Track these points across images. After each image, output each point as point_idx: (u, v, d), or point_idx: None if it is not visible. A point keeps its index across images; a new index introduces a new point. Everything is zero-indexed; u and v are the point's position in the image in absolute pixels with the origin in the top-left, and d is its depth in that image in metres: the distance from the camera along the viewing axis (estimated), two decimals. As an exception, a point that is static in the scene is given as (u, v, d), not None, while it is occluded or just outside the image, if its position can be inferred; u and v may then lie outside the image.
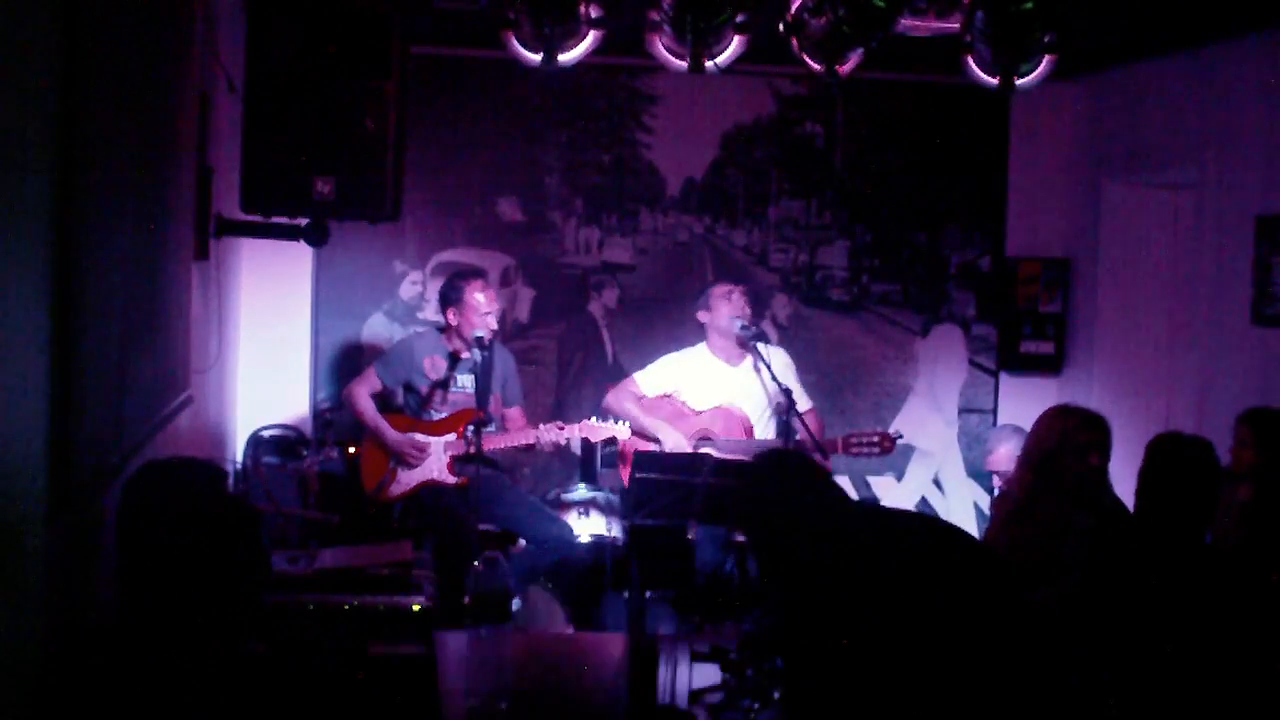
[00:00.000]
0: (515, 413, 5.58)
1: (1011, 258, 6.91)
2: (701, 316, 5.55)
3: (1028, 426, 5.92)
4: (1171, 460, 3.54)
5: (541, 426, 5.35)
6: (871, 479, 6.85)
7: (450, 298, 5.39)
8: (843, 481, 6.87)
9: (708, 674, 3.76)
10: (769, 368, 5.35)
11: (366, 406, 5.44)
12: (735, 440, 5.37)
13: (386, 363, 5.51)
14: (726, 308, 5.44)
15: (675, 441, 5.37)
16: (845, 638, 2.71)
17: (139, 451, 3.33)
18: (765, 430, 5.58)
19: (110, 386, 2.98)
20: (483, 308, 5.29)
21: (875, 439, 5.35)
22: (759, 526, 2.94)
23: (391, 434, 5.37)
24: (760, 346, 5.44)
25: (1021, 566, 3.95)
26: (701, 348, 5.59)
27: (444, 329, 5.46)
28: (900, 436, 5.47)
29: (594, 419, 5.38)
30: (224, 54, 4.86)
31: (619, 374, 6.40)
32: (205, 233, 4.69)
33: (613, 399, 5.57)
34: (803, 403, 5.32)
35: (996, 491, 5.97)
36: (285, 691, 2.44)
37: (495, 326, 5.27)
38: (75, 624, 2.65)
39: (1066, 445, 4.06)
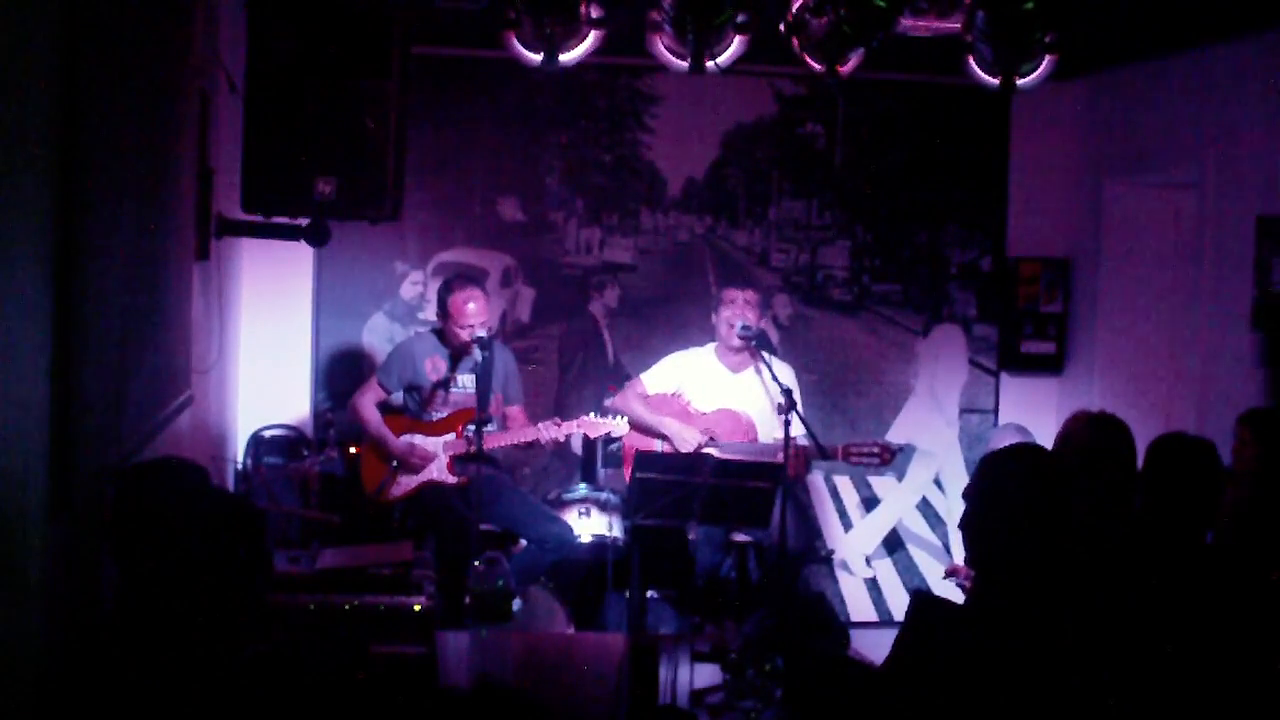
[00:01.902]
0: (516, 411, 5.58)
1: (1012, 257, 6.91)
2: (714, 319, 5.54)
3: (1029, 426, 5.96)
4: (1174, 461, 3.53)
5: (540, 425, 5.37)
6: (872, 479, 6.85)
7: (439, 301, 5.39)
8: (843, 481, 6.89)
9: (708, 674, 3.77)
10: (769, 367, 5.34)
11: (372, 417, 5.43)
12: (738, 443, 5.36)
13: (388, 369, 5.51)
14: (726, 312, 5.41)
15: (682, 436, 5.35)
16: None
17: (140, 452, 3.33)
18: (768, 437, 5.57)
19: (110, 387, 2.98)
20: (466, 319, 5.25)
21: (875, 450, 5.31)
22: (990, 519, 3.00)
23: (395, 443, 5.36)
24: (765, 356, 5.42)
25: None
26: (710, 349, 5.58)
27: (439, 329, 5.46)
28: (900, 449, 5.45)
29: (593, 414, 5.38)
30: (224, 54, 4.86)
31: (620, 374, 6.40)
32: (206, 233, 4.69)
33: (620, 399, 5.56)
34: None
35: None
36: (285, 691, 2.44)
37: (481, 334, 5.22)
38: (75, 623, 2.65)
39: (1098, 454, 4.03)
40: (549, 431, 5.32)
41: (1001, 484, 2.99)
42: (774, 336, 6.64)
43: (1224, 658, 2.92)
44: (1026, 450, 3.17)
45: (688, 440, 5.34)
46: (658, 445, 5.41)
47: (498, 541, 5.43)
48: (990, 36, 4.57)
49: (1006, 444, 5.70)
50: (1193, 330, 6.02)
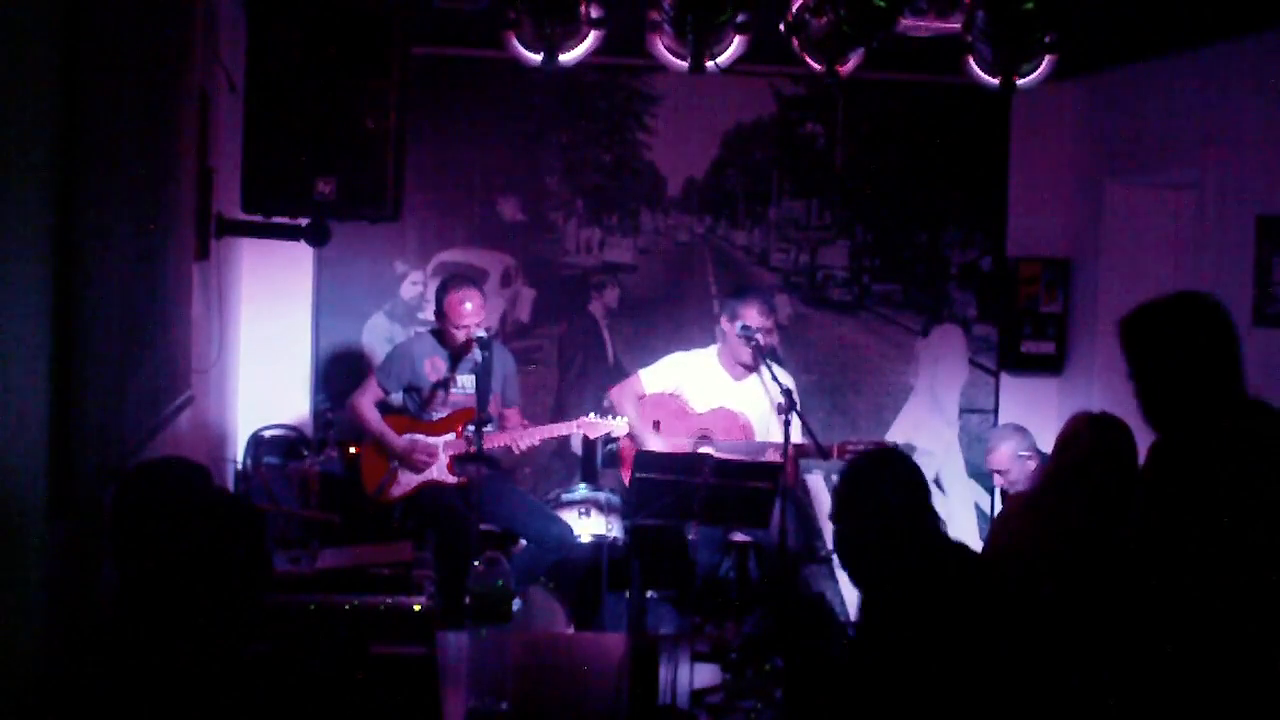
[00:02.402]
0: (513, 413, 5.57)
1: (1012, 258, 6.91)
2: (724, 324, 5.49)
3: (1029, 426, 5.95)
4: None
5: (535, 428, 5.39)
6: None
7: (436, 300, 5.40)
8: (843, 481, 6.88)
9: (708, 674, 3.77)
10: (770, 369, 5.32)
11: (371, 416, 5.44)
12: (734, 442, 5.36)
13: (386, 369, 5.51)
14: (742, 329, 5.33)
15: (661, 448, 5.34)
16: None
17: (140, 451, 3.33)
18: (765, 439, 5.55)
19: (111, 386, 2.98)
20: (462, 318, 5.25)
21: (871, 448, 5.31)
22: (853, 522, 3.01)
23: (398, 441, 5.36)
24: (766, 359, 5.39)
25: (1025, 562, 3.95)
26: (712, 351, 5.56)
27: (438, 330, 5.46)
28: (898, 448, 5.43)
29: (592, 415, 5.38)
30: (224, 54, 4.86)
31: (620, 374, 6.39)
32: (206, 233, 4.69)
33: (617, 395, 5.56)
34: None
35: (998, 490, 5.97)
36: (285, 691, 2.44)
37: (476, 334, 5.21)
38: (75, 624, 2.65)
39: (1098, 455, 4.03)
40: (546, 432, 5.35)
41: (865, 492, 3.01)
42: (775, 338, 6.64)
43: (1224, 658, 2.92)
44: (881, 456, 3.19)
45: (677, 448, 5.32)
46: (657, 444, 5.40)
47: (498, 541, 5.43)
48: (990, 36, 4.57)
49: (1006, 444, 5.73)
50: (1193, 330, 6.01)
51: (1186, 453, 2.89)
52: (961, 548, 3.12)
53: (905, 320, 6.91)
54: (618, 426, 5.35)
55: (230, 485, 5.52)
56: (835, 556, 3.09)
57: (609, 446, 5.75)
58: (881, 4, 4.30)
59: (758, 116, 6.75)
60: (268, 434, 6.12)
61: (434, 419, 5.43)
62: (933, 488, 6.94)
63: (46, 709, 2.27)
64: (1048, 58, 4.76)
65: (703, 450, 5.27)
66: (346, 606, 3.82)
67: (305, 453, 5.89)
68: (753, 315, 5.34)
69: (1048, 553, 3.94)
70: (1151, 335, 2.98)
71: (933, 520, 3.05)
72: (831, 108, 6.77)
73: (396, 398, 5.57)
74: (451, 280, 5.47)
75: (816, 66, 4.69)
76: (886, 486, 3.00)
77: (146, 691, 2.28)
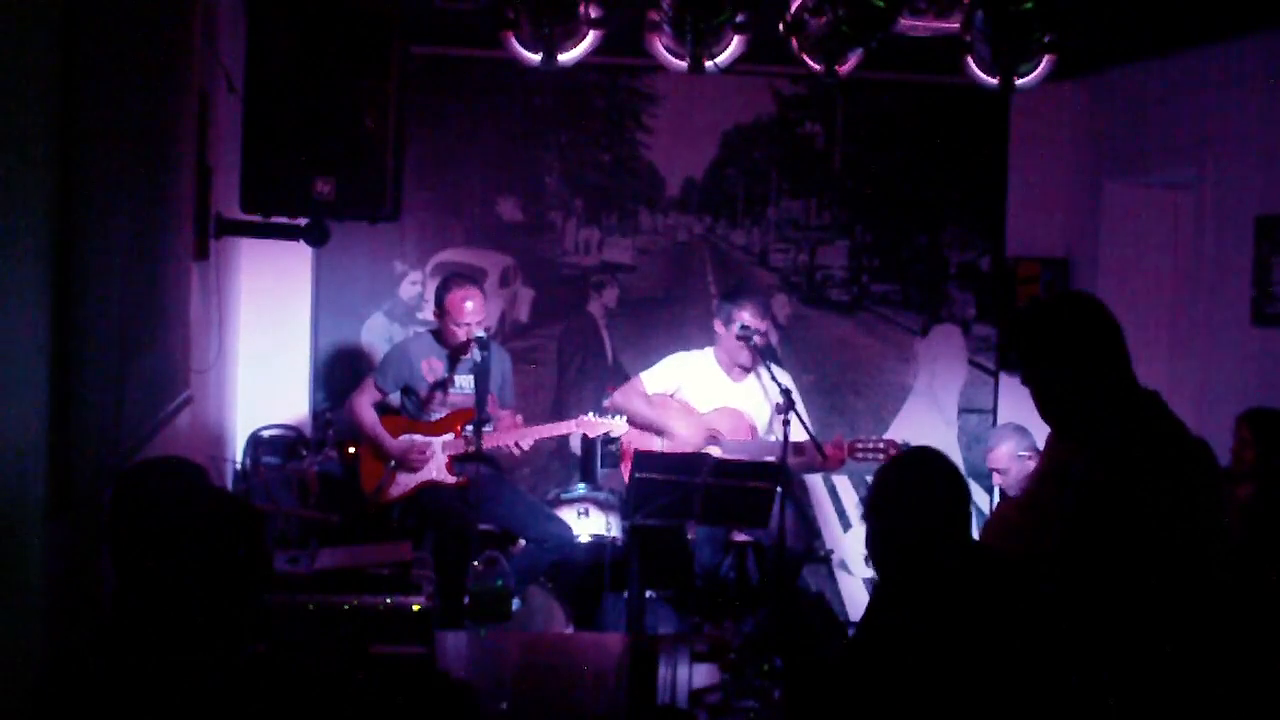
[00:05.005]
0: (507, 415, 5.57)
1: (1011, 258, 6.92)
2: (718, 327, 5.49)
3: (1028, 426, 5.95)
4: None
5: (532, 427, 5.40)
6: (871, 479, 6.84)
7: (437, 299, 5.39)
8: (842, 481, 6.89)
9: (708, 674, 3.77)
10: (769, 368, 5.33)
11: (367, 417, 5.43)
12: (741, 441, 5.36)
13: (384, 371, 5.50)
14: (740, 331, 5.33)
15: (685, 438, 5.34)
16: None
17: (139, 451, 3.32)
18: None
19: (110, 386, 2.97)
20: (464, 316, 5.24)
21: (881, 446, 5.32)
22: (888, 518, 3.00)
23: (392, 442, 5.36)
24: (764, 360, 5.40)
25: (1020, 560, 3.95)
26: (709, 353, 5.56)
27: (436, 330, 5.46)
28: (908, 445, 5.43)
29: (591, 414, 5.38)
30: (224, 54, 4.85)
31: (619, 374, 6.40)
32: (205, 233, 4.68)
33: (620, 397, 5.55)
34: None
35: (996, 488, 5.97)
36: (285, 691, 2.44)
37: (477, 333, 5.19)
38: (75, 624, 2.65)
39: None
40: (536, 434, 5.36)
41: (910, 490, 3.01)
42: (773, 337, 6.64)
43: (1224, 658, 2.92)
44: (926, 454, 3.19)
45: (690, 443, 5.32)
46: (657, 444, 5.41)
47: (497, 541, 5.43)
48: (989, 36, 4.58)
49: (1005, 443, 5.72)
50: (1192, 330, 6.03)
51: (1094, 464, 2.92)
52: (989, 550, 3.10)
53: (904, 320, 6.91)
54: (616, 426, 5.35)
55: (229, 485, 5.52)
56: (865, 552, 3.08)
57: (610, 446, 5.75)
58: (881, 4, 4.30)
59: (757, 116, 6.76)
60: (267, 434, 6.12)
61: (433, 419, 5.43)
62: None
63: (47, 709, 2.27)
64: (1047, 58, 4.77)
65: (710, 450, 5.27)
66: (346, 606, 3.82)
67: (304, 453, 5.89)
68: (747, 317, 5.34)
69: (1044, 554, 3.93)
70: (1038, 339, 3.00)
71: (967, 524, 3.05)
72: (831, 108, 6.77)
73: (395, 398, 5.57)
74: (453, 278, 5.46)
75: (816, 66, 4.69)
76: (934, 485, 3.01)
77: (146, 692, 2.28)
